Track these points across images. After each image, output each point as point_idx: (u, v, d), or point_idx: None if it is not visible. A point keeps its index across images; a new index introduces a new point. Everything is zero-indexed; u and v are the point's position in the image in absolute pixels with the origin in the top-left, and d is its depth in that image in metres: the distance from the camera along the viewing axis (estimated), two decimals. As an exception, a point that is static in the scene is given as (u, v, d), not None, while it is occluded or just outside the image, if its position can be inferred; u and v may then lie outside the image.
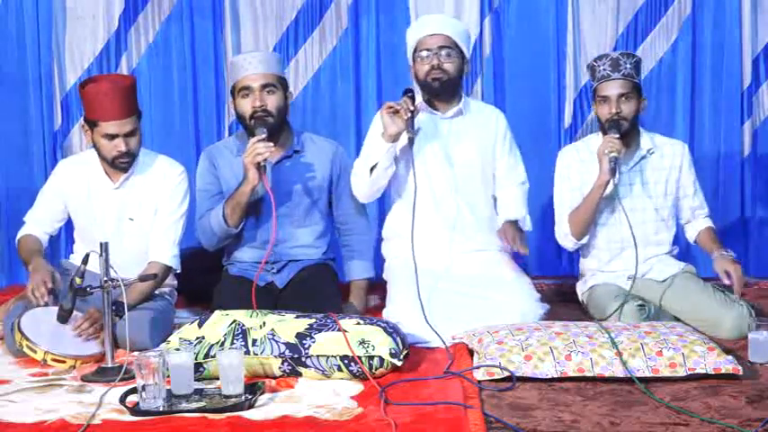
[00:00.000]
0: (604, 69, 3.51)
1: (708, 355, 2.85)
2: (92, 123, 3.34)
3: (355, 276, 3.79)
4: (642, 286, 3.54)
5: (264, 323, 2.95)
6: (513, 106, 4.52)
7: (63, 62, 4.57)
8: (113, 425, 2.51)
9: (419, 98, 3.59)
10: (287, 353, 2.87)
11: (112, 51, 4.56)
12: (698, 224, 3.74)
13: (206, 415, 2.55)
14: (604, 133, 3.54)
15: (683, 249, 4.12)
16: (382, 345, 2.87)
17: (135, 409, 2.58)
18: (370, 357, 2.86)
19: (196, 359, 2.82)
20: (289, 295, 3.57)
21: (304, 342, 2.88)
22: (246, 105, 3.53)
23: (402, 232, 3.56)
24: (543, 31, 4.58)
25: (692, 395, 2.69)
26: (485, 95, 4.54)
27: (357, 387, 2.81)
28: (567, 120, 4.61)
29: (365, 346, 2.87)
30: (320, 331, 2.91)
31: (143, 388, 2.58)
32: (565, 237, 3.67)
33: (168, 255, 3.47)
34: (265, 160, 3.41)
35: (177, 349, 2.85)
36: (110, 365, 2.94)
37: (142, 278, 3.22)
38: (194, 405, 2.62)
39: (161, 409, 2.58)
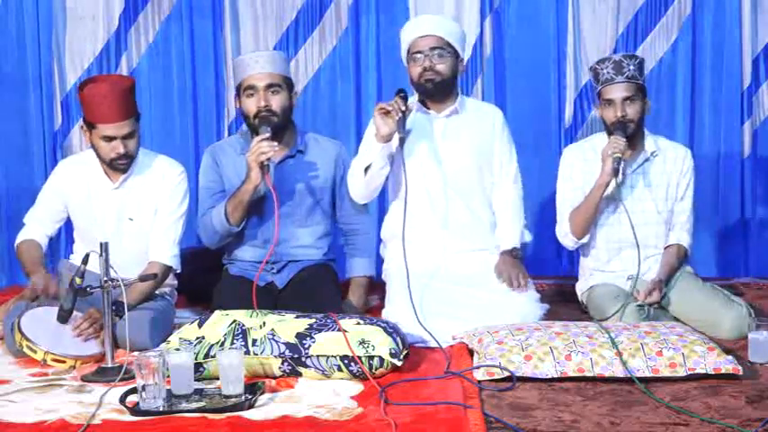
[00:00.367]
0: (608, 72, 3.50)
1: (708, 355, 2.85)
2: (90, 125, 3.34)
3: (355, 273, 3.79)
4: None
5: (264, 323, 2.95)
6: (513, 106, 4.52)
7: (63, 62, 4.57)
8: (113, 425, 2.51)
9: (413, 98, 3.58)
10: (287, 353, 2.87)
11: (112, 51, 4.57)
12: (672, 236, 3.64)
13: (206, 415, 2.55)
14: (609, 134, 3.53)
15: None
16: (382, 345, 2.87)
17: (135, 409, 2.58)
18: (370, 357, 2.85)
19: (196, 359, 2.82)
20: (289, 295, 3.56)
21: (304, 342, 2.88)
22: (251, 105, 3.53)
23: (398, 233, 3.55)
24: (544, 31, 4.58)
25: (692, 395, 2.69)
26: (485, 95, 4.54)
27: (357, 387, 2.80)
28: (568, 120, 4.61)
29: (365, 346, 2.86)
30: (320, 331, 2.91)
31: (143, 388, 2.58)
32: (565, 236, 3.67)
33: (168, 255, 3.47)
34: (269, 159, 3.41)
35: (177, 349, 2.85)
36: (110, 365, 2.93)
37: (142, 278, 3.22)
38: (194, 405, 2.62)
39: (161, 409, 2.57)
